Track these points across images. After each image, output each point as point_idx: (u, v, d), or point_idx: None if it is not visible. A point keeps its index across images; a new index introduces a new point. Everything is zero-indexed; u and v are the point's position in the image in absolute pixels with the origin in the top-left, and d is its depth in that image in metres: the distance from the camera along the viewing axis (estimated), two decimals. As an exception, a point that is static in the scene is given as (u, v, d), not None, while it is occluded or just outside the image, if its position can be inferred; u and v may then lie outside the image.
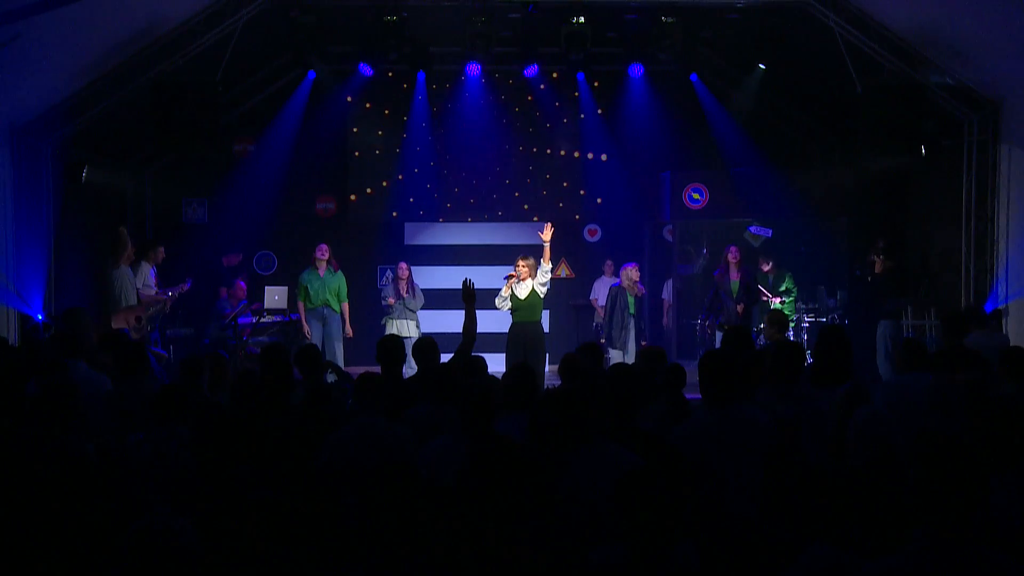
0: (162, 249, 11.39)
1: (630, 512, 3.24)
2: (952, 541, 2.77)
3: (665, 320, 13.94)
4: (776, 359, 5.47)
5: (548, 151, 14.07)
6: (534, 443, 4.19)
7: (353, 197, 13.94)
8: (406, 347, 6.67)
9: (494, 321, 9.96)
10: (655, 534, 3.22)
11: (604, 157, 13.97)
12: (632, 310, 11.32)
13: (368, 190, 13.93)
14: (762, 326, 9.86)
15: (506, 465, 3.60)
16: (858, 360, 11.18)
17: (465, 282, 7.30)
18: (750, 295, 11.20)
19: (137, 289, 10.74)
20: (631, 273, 11.29)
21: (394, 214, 14.01)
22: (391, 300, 11.47)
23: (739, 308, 11.16)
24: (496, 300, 9.56)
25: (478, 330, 7.04)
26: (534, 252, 9.75)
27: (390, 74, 13.51)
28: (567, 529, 3.72)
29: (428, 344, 6.31)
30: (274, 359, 6.01)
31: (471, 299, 7.13)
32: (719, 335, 11.13)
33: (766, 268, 12.69)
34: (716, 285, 11.48)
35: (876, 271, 11.48)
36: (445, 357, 6.56)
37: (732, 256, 11.34)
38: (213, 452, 4.21)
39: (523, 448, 3.95)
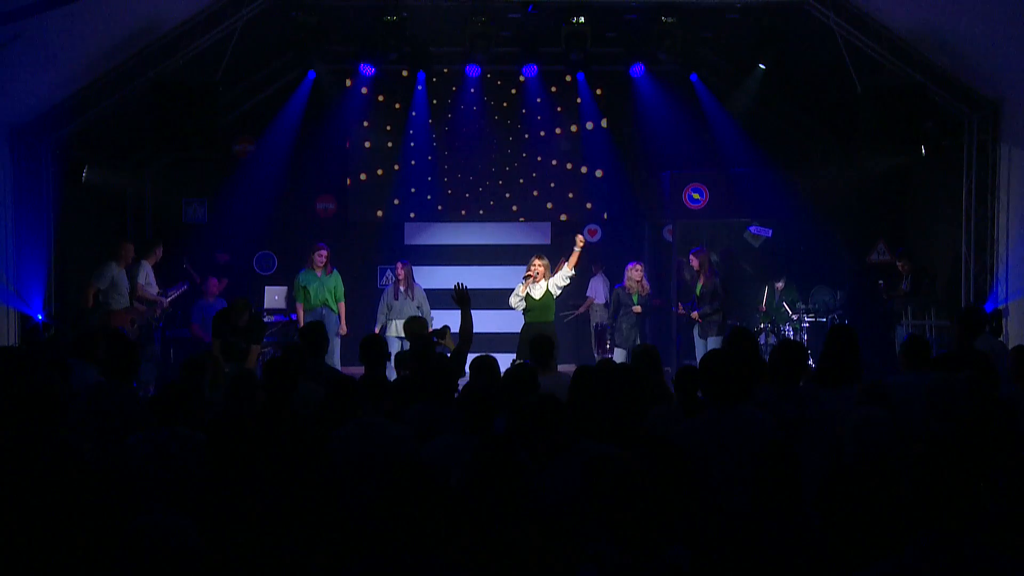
0: (160, 249, 11.41)
1: (615, 509, 3.24)
2: (953, 541, 2.77)
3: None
4: (778, 358, 5.44)
5: (548, 145, 14.05)
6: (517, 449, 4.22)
7: (350, 182, 13.91)
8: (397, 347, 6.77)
9: (504, 321, 9.95)
10: (644, 533, 3.21)
11: (605, 144, 13.92)
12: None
13: (362, 176, 13.90)
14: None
15: (512, 464, 3.61)
16: (868, 361, 11.28)
17: (457, 286, 7.29)
18: (715, 302, 10.93)
19: (140, 285, 10.79)
20: (632, 273, 11.30)
21: (396, 203, 13.97)
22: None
23: (694, 314, 10.93)
24: (511, 299, 9.57)
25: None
26: (535, 252, 9.76)
27: (390, 76, 13.52)
28: (554, 530, 3.73)
29: (373, 342, 6.55)
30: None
31: (465, 302, 7.13)
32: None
33: (779, 286, 12.76)
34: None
35: (901, 271, 11.57)
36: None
37: (692, 262, 11.20)
38: (228, 454, 4.21)
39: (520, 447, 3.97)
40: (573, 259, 9.54)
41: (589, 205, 14.19)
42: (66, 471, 3.85)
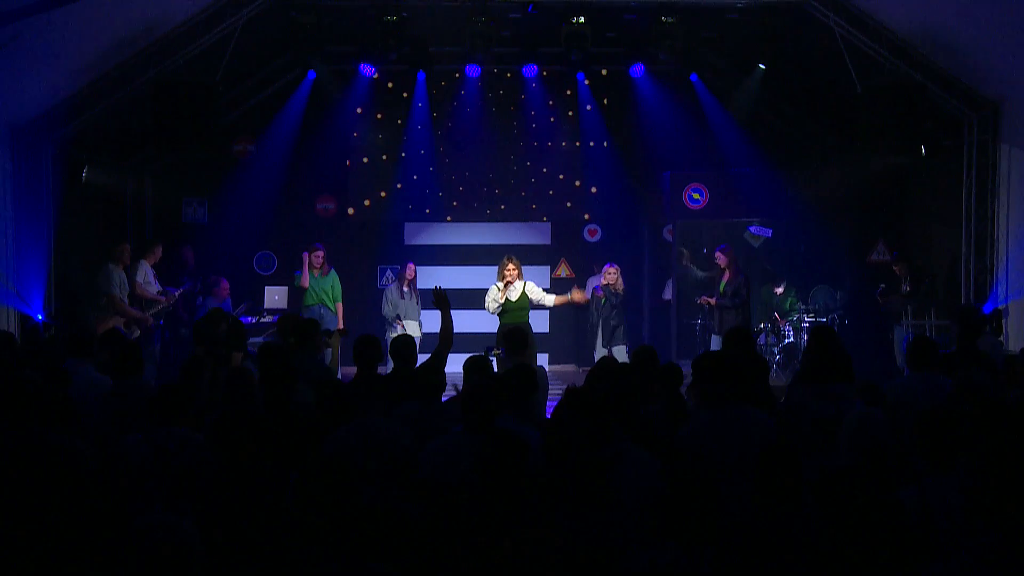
0: (160, 249, 11.42)
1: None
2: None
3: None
4: (811, 357, 5.45)
5: (549, 145, 14.04)
6: (554, 443, 4.21)
7: (351, 211, 13.91)
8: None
9: (492, 321, 9.92)
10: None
11: (605, 143, 13.92)
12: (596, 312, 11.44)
13: (366, 202, 13.90)
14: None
15: (520, 461, 3.61)
16: (872, 361, 11.31)
17: (436, 288, 7.41)
18: (735, 299, 11.05)
19: (138, 284, 10.79)
20: (606, 276, 11.39)
21: (396, 203, 13.95)
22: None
23: (712, 301, 11.17)
24: (489, 304, 9.57)
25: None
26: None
27: (390, 83, 13.52)
28: (602, 529, 3.74)
29: (404, 343, 6.49)
30: (272, 359, 6.03)
31: (445, 304, 7.21)
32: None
33: (779, 291, 12.80)
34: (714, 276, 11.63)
35: (898, 274, 11.60)
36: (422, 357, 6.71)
37: (720, 260, 11.33)
38: (235, 452, 4.20)
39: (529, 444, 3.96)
40: (559, 300, 9.80)
41: (588, 206, 14.19)
42: (65, 471, 3.84)
